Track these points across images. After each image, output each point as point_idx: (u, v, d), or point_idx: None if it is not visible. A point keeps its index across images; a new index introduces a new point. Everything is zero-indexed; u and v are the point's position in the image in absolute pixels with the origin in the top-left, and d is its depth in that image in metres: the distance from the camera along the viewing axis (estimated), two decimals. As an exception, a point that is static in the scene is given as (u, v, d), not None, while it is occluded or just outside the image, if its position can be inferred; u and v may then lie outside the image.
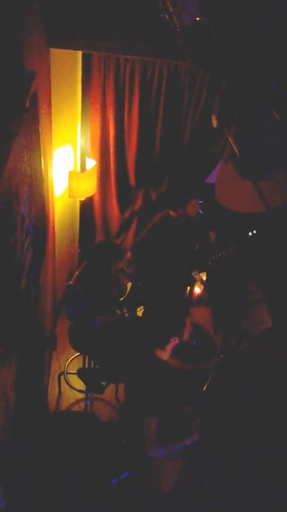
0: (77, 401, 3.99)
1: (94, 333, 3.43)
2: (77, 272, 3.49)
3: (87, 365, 3.80)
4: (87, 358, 3.78)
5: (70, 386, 4.03)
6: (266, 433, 3.51)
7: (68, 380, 4.06)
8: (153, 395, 2.54)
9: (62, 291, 4.48)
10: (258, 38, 3.14)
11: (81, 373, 3.77)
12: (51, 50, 3.25)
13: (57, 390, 4.01)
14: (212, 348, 3.52)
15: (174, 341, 2.62)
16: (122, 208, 4.46)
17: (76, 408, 3.95)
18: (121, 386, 4.01)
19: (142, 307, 4.31)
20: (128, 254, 3.94)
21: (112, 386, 4.00)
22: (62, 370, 4.07)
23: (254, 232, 4.55)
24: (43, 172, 2.81)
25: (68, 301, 3.42)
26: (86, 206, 4.45)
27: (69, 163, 4.07)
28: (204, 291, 4.70)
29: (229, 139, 2.42)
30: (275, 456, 3.44)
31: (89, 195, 4.15)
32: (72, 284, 3.41)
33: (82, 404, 3.91)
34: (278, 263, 3.96)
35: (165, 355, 2.64)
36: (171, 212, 4.02)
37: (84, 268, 3.43)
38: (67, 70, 3.64)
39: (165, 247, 4.01)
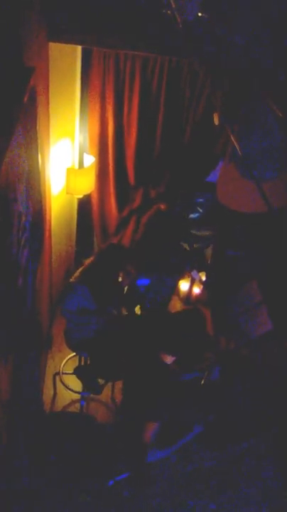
0: (73, 402, 3.95)
1: (93, 333, 3.39)
2: (79, 270, 3.42)
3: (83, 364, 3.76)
4: (82, 358, 3.74)
5: (66, 386, 3.98)
6: (265, 434, 3.49)
7: (63, 381, 4.01)
8: (152, 399, 2.54)
9: (59, 290, 4.43)
10: (260, 34, 3.10)
11: (78, 372, 3.71)
12: (50, 44, 3.20)
13: (52, 390, 3.97)
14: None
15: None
16: (120, 206, 4.41)
17: (71, 409, 3.91)
18: (117, 387, 3.97)
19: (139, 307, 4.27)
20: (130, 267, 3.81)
21: (108, 387, 3.95)
22: (58, 371, 4.02)
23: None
24: (41, 168, 2.76)
25: (67, 298, 3.35)
26: (84, 204, 4.40)
27: (67, 160, 4.02)
28: (203, 291, 4.67)
29: (231, 138, 2.38)
30: (275, 458, 3.41)
31: (87, 192, 4.10)
32: (73, 282, 3.35)
33: (78, 405, 3.86)
34: (279, 264, 3.92)
35: (169, 359, 2.69)
36: (162, 206, 3.98)
37: (89, 267, 3.37)
38: (66, 65, 3.60)
39: (160, 242, 3.99)
